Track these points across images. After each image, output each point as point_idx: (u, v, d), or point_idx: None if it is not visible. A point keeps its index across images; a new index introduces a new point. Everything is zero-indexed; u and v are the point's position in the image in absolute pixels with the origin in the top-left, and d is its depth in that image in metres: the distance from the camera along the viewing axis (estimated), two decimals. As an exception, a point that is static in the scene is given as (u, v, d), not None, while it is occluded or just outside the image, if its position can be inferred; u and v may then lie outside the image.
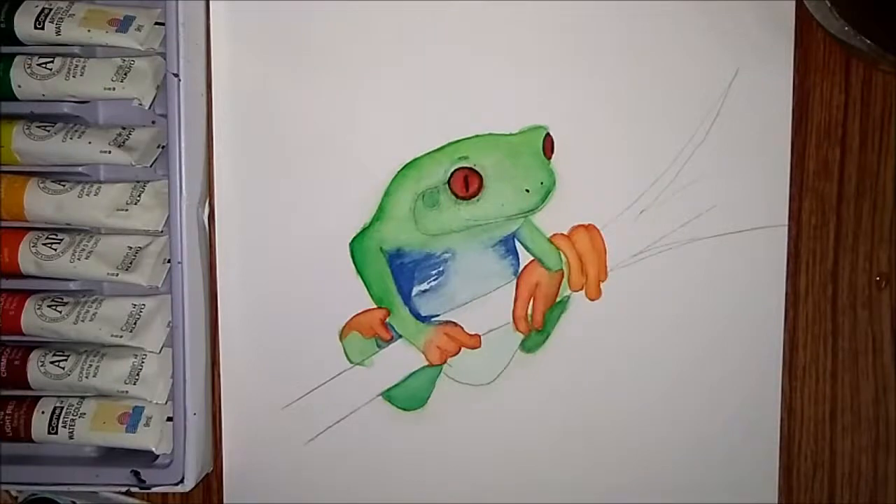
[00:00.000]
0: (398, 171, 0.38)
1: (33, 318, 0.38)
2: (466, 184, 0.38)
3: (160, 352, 0.38)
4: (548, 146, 0.38)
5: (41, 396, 0.38)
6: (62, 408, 0.38)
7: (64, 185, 0.38)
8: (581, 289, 0.39)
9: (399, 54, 0.38)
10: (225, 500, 0.40)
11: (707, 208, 0.38)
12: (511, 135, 0.38)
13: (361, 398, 0.39)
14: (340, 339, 0.39)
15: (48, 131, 0.37)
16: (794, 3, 0.38)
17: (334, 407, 0.39)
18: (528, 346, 0.39)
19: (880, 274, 0.39)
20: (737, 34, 0.38)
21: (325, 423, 0.39)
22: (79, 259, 0.37)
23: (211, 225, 0.39)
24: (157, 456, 0.38)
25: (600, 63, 0.38)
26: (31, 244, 0.38)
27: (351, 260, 0.39)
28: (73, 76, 0.37)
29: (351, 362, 0.39)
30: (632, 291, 0.39)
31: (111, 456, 0.39)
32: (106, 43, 0.37)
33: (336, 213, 0.39)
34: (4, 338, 0.38)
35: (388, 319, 0.39)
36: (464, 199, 0.38)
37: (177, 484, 0.37)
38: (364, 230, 0.39)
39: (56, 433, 0.37)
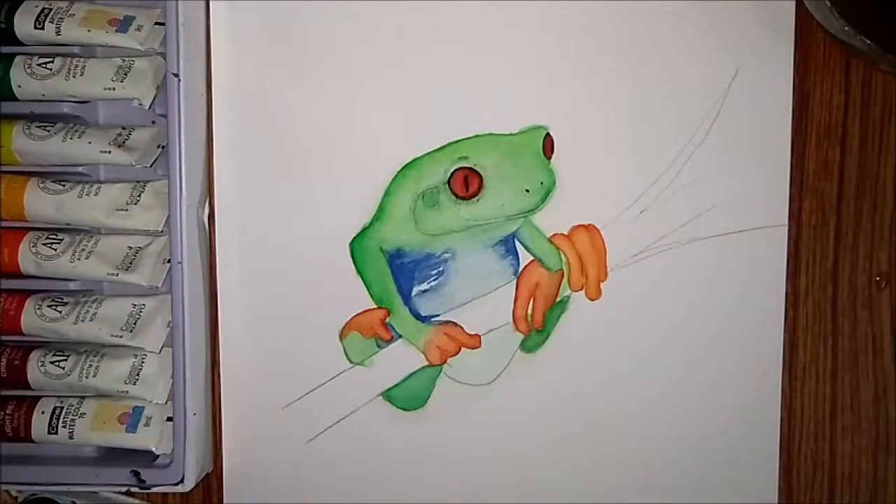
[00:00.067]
0: (398, 171, 0.38)
1: (33, 318, 0.38)
2: (466, 184, 0.38)
3: (160, 352, 0.38)
4: (548, 146, 0.38)
5: (41, 396, 0.38)
6: (62, 408, 0.38)
7: (64, 185, 0.38)
8: (581, 289, 0.39)
9: (399, 54, 0.38)
10: (225, 500, 0.40)
11: (707, 208, 0.38)
12: (511, 135, 0.38)
13: (361, 398, 0.39)
14: (340, 339, 0.39)
15: (48, 131, 0.37)
16: (794, 3, 0.38)
17: (334, 407, 0.39)
18: (528, 346, 0.39)
19: (880, 274, 0.39)
20: (737, 34, 0.38)
21: (325, 423, 0.39)
22: (79, 259, 0.37)
23: (211, 225, 0.39)
24: (157, 456, 0.38)
25: (600, 63, 0.38)
26: (31, 244, 0.38)
27: (351, 260, 0.39)
28: (73, 76, 0.37)
29: (351, 362, 0.39)
30: (632, 291, 0.39)
31: (111, 456, 0.39)
32: (106, 43, 0.37)
33: (336, 213, 0.39)
34: (4, 338, 0.38)
35: (388, 319, 0.39)
36: (464, 199, 0.38)
37: (177, 484, 0.37)
38: (364, 230, 0.39)
39: (56, 433, 0.37)
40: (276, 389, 0.39)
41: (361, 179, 0.38)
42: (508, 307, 0.39)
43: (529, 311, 0.39)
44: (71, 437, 0.37)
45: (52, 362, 0.38)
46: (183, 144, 0.36)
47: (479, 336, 0.39)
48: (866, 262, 0.39)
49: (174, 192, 0.37)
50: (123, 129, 0.38)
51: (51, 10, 0.37)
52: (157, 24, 0.37)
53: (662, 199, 0.38)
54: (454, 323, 0.39)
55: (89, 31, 0.37)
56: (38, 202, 0.38)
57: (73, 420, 0.37)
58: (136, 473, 0.37)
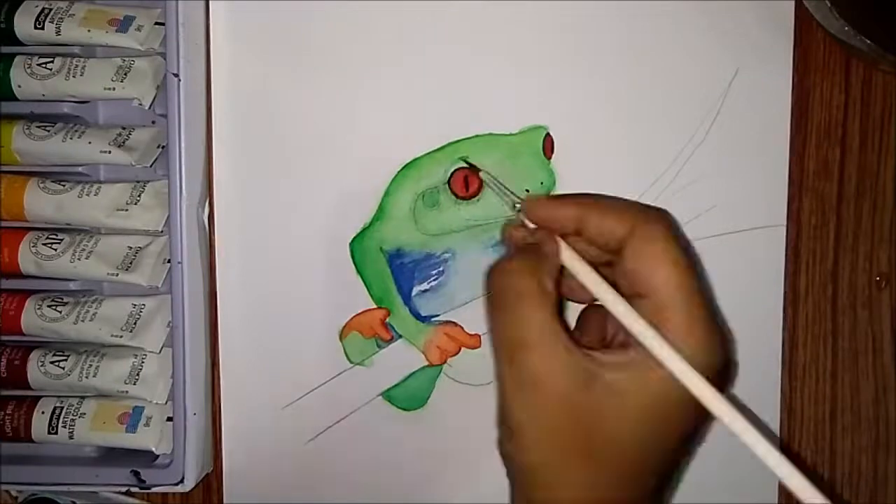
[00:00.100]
0: (398, 171, 0.38)
1: (33, 318, 0.38)
2: (466, 184, 0.38)
3: (160, 352, 0.38)
4: (548, 146, 0.38)
5: (41, 396, 0.38)
6: (62, 408, 0.38)
7: (64, 185, 0.38)
8: (581, 289, 0.39)
9: (399, 54, 0.38)
10: (225, 500, 0.40)
11: (707, 208, 0.38)
12: (511, 135, 0.38)
13: (361, 398, 0.39)
14: (340, 339, 0.39)
15: (48, 131, 0.37)
16: (794, 3, 0.38)
17: (334, 407, 0.39)
18: (528, 346, 0.39)
19: (880, 274, 0.39)
20: (737, 34, 0.38)
21: (325, 423, 0.39)
22: (79, 259, 0.37)
23: (211, 225, 0.39)
24: (157, 456, 0.38)
25: (600, 63, 0.38)
26: (31, 244, 0.38)
27: (351, 260, 0.39)
28: (73, 76, 0.37)
29: (351, 362, 0.39)
30: (632, 291, 0.39)
31: (111, 456, 0.39)
32: (106, 43, 0.37)
33: (336, 213, 0.39)
34: (4, 338, 0.38)
35: (388, 319, 0.39)
36: (464, 199, 0.38)
37: (177, 484, 0.37)
38: (364, 230, 0.39)
39: (56, 433, 0.37)
40: (276, 389, 0.39)
41: (361, 179, 0.38)
42: (508, 307, 0.39)
43: (529, 311, 0.39)
44: (71, 437, 0.37)
45: (52, 362, 0.38)
46: (183, 144, 0.36)
47: (479, 336, 0.39)
48: (866, 262, 0.39)
49: (174, 192, 0.37)
50: (123, 129, 0.38)
51: (51, 10, 0.37)
52: (157, 24, 0.37)
53: (662, 199, 0.38)
54: (454, 323, 0.39)
55: (89, 31, 0.37)
56: (38, 202, 0.38)
57: (73, 420, 0.37)
58: (136, 473, 0.37)
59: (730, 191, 0.38)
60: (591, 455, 0.28)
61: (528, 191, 0.38)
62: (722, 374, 0.29)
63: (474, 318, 0.39)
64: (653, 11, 0.38)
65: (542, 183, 0.38)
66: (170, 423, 0.37)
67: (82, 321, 0.37)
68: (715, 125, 0.38)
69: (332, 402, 0.39)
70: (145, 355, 0.38)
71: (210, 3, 0.38)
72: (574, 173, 0.38)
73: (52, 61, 0.37)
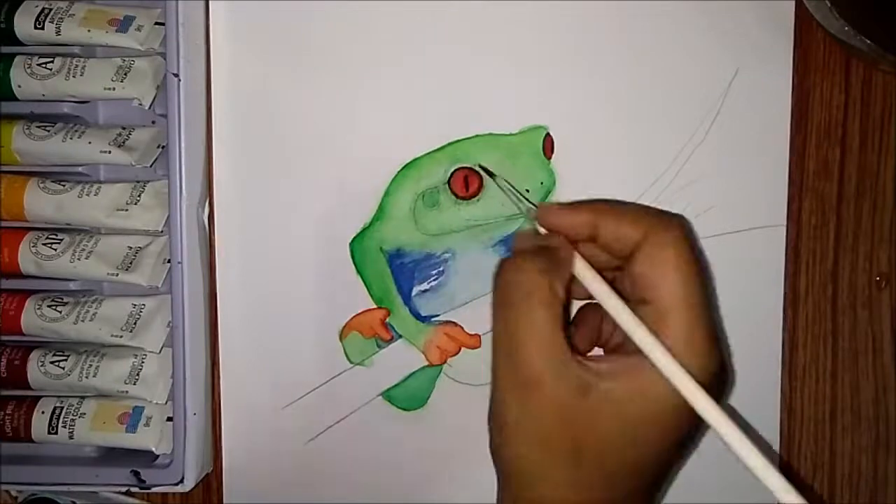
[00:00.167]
0: (398, 171, 0.38)
1: (33, 318, 0.38)
2: (466, 184, 0.38)
3: (160, 352, 0.38)
4: (548, 146, 0.38)
5: (41, 396, 0.38)
6: (62, 408, 0.38)
7: (64, 185, 0.38)
8: (581, 289, 0.39)
9: (399, 54, 0.38)
10: (225, 500, 0.40)
11: (706, 208, 0.38)
12: (511, 135, 0.38)
13: (361, 398, 0.39)
14: (340, 339, 0.39)
15: (48, 131, 0.37)
16: (794, 3, 0.38)
17: (334, 407, 0.39)
18: (528, 346, 0.39)
19: (880, 274, 0.39)
20: (737, 34, 0.38)
21: (325, 423, 0.39)
22: (79, 259, 0.37)
23: (211, 225, 0.39)
24: (157, 456, 0.38)
25: (600, 63, 0.38)
26: (31, 244, 0.38)
27: (351, 260, 0.39)
28: (73, 76, 0.37)
29: (351, 362, 0.39)
30: (632, 291, 0.39)
31: (111, 456, 0.39)
32: (106, 43, 0.37)
33: (336, 213, 0.39)
34: (4, 338, 0.38)
35: (388, 319, 0.39)
36: (464, 199, 0.38)
37: (177, 484, 0.37)
38: (364, 230, 0.39)
39: (56, 433, 0.37)
40: (276, 389, 0.39)
41: (361, 179, 0.38)
42: (508, 307, 0.39)
43: (529, 311, 0.39)
44: (71, 437, 0.37)
45: (52, 362, 0.38)
46: (183, 144, 0.36)
47: (479, 336, 0.39)
48: (866, 262, 0.39)
49: (174, 192, 0.37)
50: (123, 129, 0.38)
51: (51, 10, 0.37)
52: (157, 24, 0.37)
53: (662, 199, 0.38)
54: (454, 323, 0.39)
55: (89, 31, 0.37)
56: (38, 202, 0.38)
57: (73, 420, 0.37)
58: (136, 473, 0.37)
59: (730, 191, 0.38)
60: (581, 457, 0.28)
61: (527, 191, 0.38)
62: (718, 383, 0.29)
63: (474, 318, 0.39)
64: (653, 11, 0.38)
65: (542, 183, 0.38)
66: (170, 423, 0.37)
67: (82, 321, 0.37)
68: (715, 125, 0.38)
69: (332, 402, 0.39)
70: (145, 355, 0.38)
71: (210, 3, 0.38)
72: (574, 173, 0.38)
73: (52, 61, 0.37)
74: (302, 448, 0.39)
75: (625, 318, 0.28)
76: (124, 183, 0.38)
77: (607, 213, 0.30)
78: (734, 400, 0.39)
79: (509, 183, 0.37)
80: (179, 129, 0.36)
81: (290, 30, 0.38)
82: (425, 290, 0.39)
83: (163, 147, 0.38)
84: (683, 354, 0.27)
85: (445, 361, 0.39)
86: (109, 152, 0.37)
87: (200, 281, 0.38)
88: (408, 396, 0.39)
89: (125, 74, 0.37)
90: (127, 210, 0.37)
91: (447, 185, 0.38)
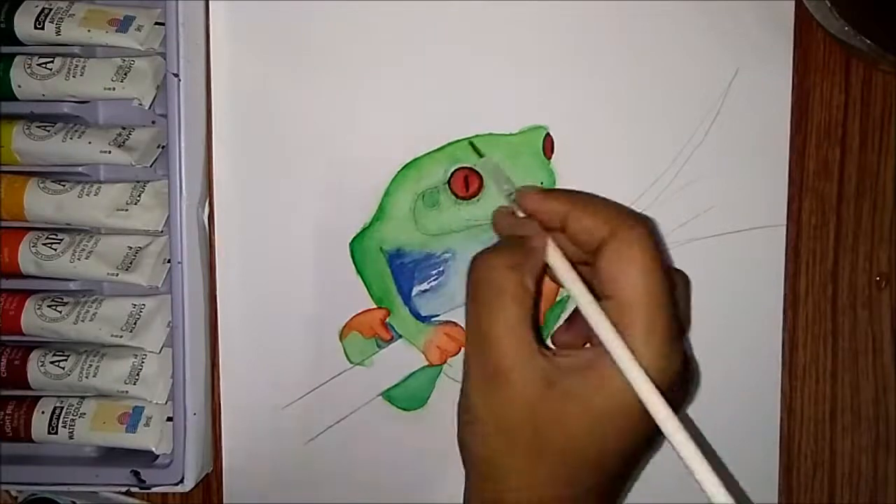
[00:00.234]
0: (398, 171, 0.38)
1: (33, 318, 0.38)
2: (466, 184, 0.38)
3: (160, 352, 0.38)
4: (548, 146, 0.38)
5: (41, 396, 0.38)
6: (62, 408, 0.38)
7: (64, 185, 0.38)
8: (581, 289, 0.39)
9: (399, 54, 0.38)
10: (225, 500, 0.40)
11: (706, 208, 0.38)
12: (511, 135, 0.38)
13: (361, 398, 0.39)
14: (340, 339, 0.39)
15: (48, 131, 0.38)
16: (794, 3, 0.38)
17: (334, 407, 0.39)
18: (528, 346, 0.39)
19: (880, 274, 0.39)
20: (737, 34, 0.38)
21: (325, 423, 0.39)
22: (79, 259, 0.37)
23: (211, 225, 0.39)
24: (157, 456, 0.38)
25: (600, 63, 0.38)
26: (31, 244, 0.38)
27: (351, 260, 0.39)
28: (73, 76, 0.37)
29: (351, 362, 0.39)
30: (632, 291, 0.39)
31: (111, 456, 0.39)
32: (106, 43, 0.37)
33: (336, 213, 0.39)
34: (4, 338, 0.38)
35: (388, 319, 0.39)
36: (464, 199, 0.38)
37: (177, 484, 0.37)
38: (364, 230, 0.39)
39: (56, 433, 0.37)
40: (276, 389, 0.39)
41: (361, 179, 0.38)
42: (508, 307, 0.39)
43: (529, 311, 0.39)
44: (71, 437, 0.37)
45: (52, 362, 0.38)
46: (183, 144, 0.36)
47: (479, 336, 0.39)
48: (866, 262, 0.39)
49: (174, 192, 0.37)
50: (123, 129, 0.38)
51: (51, 10, 0.37)
52: (157, 24, 0.37)
53: (662, 199, 0.38)
54: (454, 323, 0.39)
55: (89, 31, 0.37)
56: (38, 202, 0.38)
57: (73, 420, 0.37)
58: (136, 473, 0.37)
59: (730, 191, 0.38)
60: (544, 451, 0.28)
61: (528, 191, 0.38)
62: (681, 381, 0.29)
63: (474, 318, 0.39)
64: (653, 11, 0.38)
65: (541, 183, 0.38)
66: (170, 423, 0.37)
67: (82, 321, 0.37)
68: (715, 125, 0.38)
69: (332, 402, 0.39)
70: (145, 355, 0.38)
71: (210, 3, 0.38)
72: (574, 173, 0.38)
73: (52, 61, 0.37)
74: (302, 448, 0.39)
75: (589, 310, 0.29)
76: (124, 183, 0.38)
77: (580, 205, 0.30)
78: (734, 400, 0.39)
79: (494, 163, 0.37)
80: (179, 129, 0.36)
81: (290, 30, 0.38)
82: (425, 290, 0.39)
83: (163, 147, 0.38)
84: (642, 351, 0.28)
85: (445, 361, 0.39)
86: (109, 152, 0.37)
87: (200, 281, 0.38)
88: (408, 396, 0.39)
89: (125, 74, 0.37)
90: (127, 210, 0.37)
91: (447, 185, 0.38)
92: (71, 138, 0.37)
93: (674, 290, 0.29)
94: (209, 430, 0.39)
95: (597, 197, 0.31)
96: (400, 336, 0.39)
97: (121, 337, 0.37)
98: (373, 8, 0.38)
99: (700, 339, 0.39)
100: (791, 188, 0.38)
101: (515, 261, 0.30)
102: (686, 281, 0.35)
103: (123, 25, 0.37)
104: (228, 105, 0.39)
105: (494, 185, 0.36)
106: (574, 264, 0.30)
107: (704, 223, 0.38)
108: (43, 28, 0.37)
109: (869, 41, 0.34)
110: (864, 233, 0.39)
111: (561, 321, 0.39)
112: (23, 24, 0.37)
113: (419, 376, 0.39)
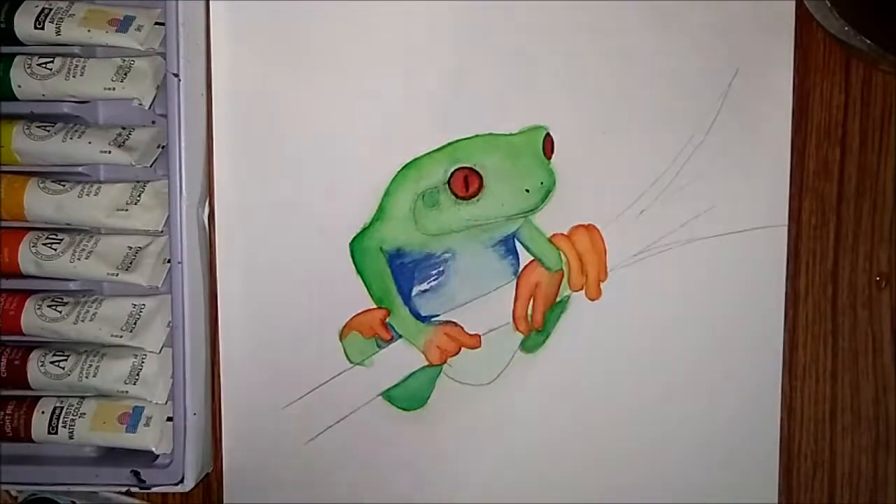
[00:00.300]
0: (398, 171, 0.38)
1: (33, 318, 0.38)
2: (466, 184, 0.38)
3: (160, 352, 0.38)
4: (548, 146, 0.38)
5: (41, 396, 0.38)
6: (62, 408, 0.38)
7: (64, 185, 0.38)
8: (581, 289, 0.39)
9: (399, 54, 0.38)
10: (225, 500, 0.40)
11: (707, 208, 0.38)
12: (511, 135, 0.38)
13: (361, 398, 0.39)
14: (340, 339, 0.39)
15: (48, 131, 0.37)
16: (794, 3, 0.38)
17: (334, 407, 0.39)
18: (528, 346, 0.39)
19: (880, 274, 0.39)
20: (737, 34, 0.38)
21: (325, 423, 0.39)
22: (79, 259, 0.37)
23: (211, 225, 0.39)
24: (157, 456, 0.38)
25: (600, 63, 0.38)
26: (31, 244, 0.38)
27: (351, 260, 0.39)
28: (73, 76, 0.37)
29: (351, 362, 0.39)
30: (632, 291, 0.39)
31: (111, 456, 0.39)
32: (106, 43, 0.37)
33: (336, 213, 0.39)
34: (4, 338, 0.38)
35: (388, 319, 0.39)
36: (464, 199, 0.38)
37: (177, 484, 0.37)
38: (364, 230, 0.39)
39: (56, 433, 0.37)
40: (276, 389, 0.39)
41: (361, 179, 0.38)
42: (508, 307, 0.39)
43: (529, 311, 0.39)
44: (71, 437, 0.37)
45: (52, 362, 0.38)
46: (183, 144, 0.36)
47: (479, 336, 0.39)
48: (866, 262, 0.39)
49: (174, 192, 0.37)
50: (123, 129, 0.38)
51: (51, 10, 0.37)
52: (157, 24, 0.37)
53: (662, 199, 0.38)
54: (454, 323, 0.39)
55: (89, 31, 0.37)
56: (38, 202, 0.38)
57: (73, 420, 0.37)
58: (136, 473, 0.37)
59: (730, 191, 0.38)
60: None
61: (527, 191, 0.38)
62: None
63: (474, 318, 0.39)
64: (653, 12, 0.38)
65: (541, 183, 0.38)
66: (170, 423, 0.37)
67: (82, 321, 0.37)
68: (715, 125, 0.38)
69: (332, 402, 0.39)
70: (145, 355, 0.38)
71: (210, 3, 0.38)
72: (574, 173, 0.38)
73: (52, 61, 0.37)
74: (302, 448, 0.39)
75: None
76: (124, 183, 0.38)
77: None
78: (734, 400, 0.39)
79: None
80: (179, 129, 0.36)
81: (290, 30, 0.38)
82: (425, 290, 0.39)
83: (163, 147, 0.38)
84: None
85: (445, 361, 0.39)
86: (109, 152, 0.37)
87: (200, 281, 0.38)
88: (408, 396, 0.39)
89: (125, 74, 0.37)
90: (127, 210, 0.37)
91: (447, 185, 0.38)
92: (71, 138, 0.37)
93: None
94: (209, 430, 0.39)
95: None
96: (400, 336, 0.39)
97: (121, 337, 0.37)
98: (373, 8, 0.38)
99: (700, 339, 0.39)
100: (791, 188, 0.38)
101: None
102: None
103: (123, 25, 0.37)
104: (228, 105, 0.38)
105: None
106: None
107: (705, 223, 0.38)
108: (43, 28, 0.37)
109: (869, 41, 0.34)
110: (864, 233, 0.39)
111: (561, 321, 0.39)
112: (23, 24, 0.37)
113: (419, 376, 0.39)
